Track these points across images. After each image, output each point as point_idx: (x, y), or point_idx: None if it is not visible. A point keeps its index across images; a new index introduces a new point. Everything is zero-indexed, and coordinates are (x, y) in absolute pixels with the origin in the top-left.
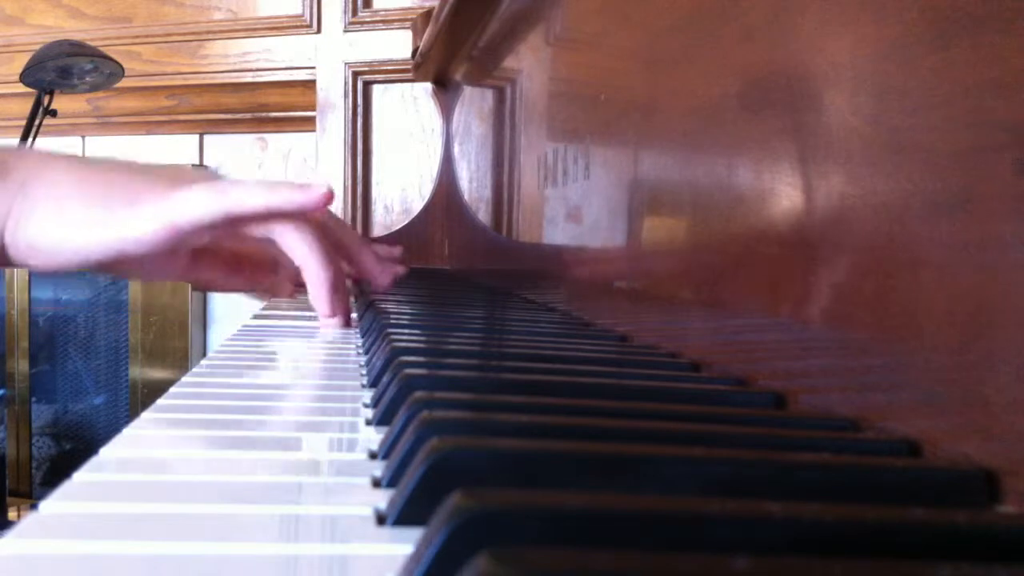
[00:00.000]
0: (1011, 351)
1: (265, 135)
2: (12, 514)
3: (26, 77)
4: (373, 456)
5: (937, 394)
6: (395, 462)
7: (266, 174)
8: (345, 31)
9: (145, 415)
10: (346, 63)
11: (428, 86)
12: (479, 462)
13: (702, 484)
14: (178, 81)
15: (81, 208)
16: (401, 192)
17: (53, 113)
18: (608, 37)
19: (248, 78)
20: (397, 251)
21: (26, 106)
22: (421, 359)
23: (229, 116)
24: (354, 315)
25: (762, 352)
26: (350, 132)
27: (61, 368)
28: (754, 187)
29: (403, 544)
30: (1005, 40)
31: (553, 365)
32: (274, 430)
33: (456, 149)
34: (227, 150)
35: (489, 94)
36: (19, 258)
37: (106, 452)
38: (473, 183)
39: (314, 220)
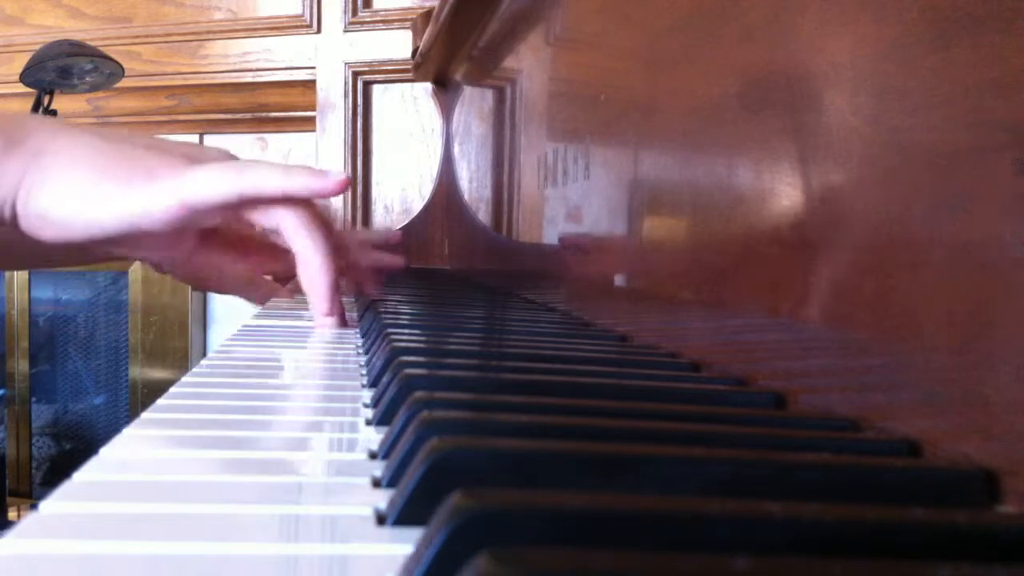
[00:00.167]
0: (1011, 351)
1: (265, 135)
2: (12, 514)
3: (26, 77)
4: (373, 456)
5: (937, 394)
6: (395, 462)
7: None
8: (345, 31)
9: (145, 415)
10: (346, 63)
11: (428, 86)
12: (479, 462)
13: (702, 484)
14: (178, 81)
15: (95, 181)
16: (401, 192)
17: (53, 113)
18: (608, 37)
19: (248, 78)
20: (396, 236)
21: (26, 106)
22: (421, 359)
23: (229, 116)
24: (353, 315)
25: (762, 352)
26: (350, 132)
27: (61, 368)
28: (754, 187)
29: (403, 544)
30: (1005, 40)
31: (553, 365)
32: (274, 430)
33: (456, 149)
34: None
35: (489, 94)
36: (30, 229)
37: (106, 452)
38: (473, 183)
39: (319, 213)
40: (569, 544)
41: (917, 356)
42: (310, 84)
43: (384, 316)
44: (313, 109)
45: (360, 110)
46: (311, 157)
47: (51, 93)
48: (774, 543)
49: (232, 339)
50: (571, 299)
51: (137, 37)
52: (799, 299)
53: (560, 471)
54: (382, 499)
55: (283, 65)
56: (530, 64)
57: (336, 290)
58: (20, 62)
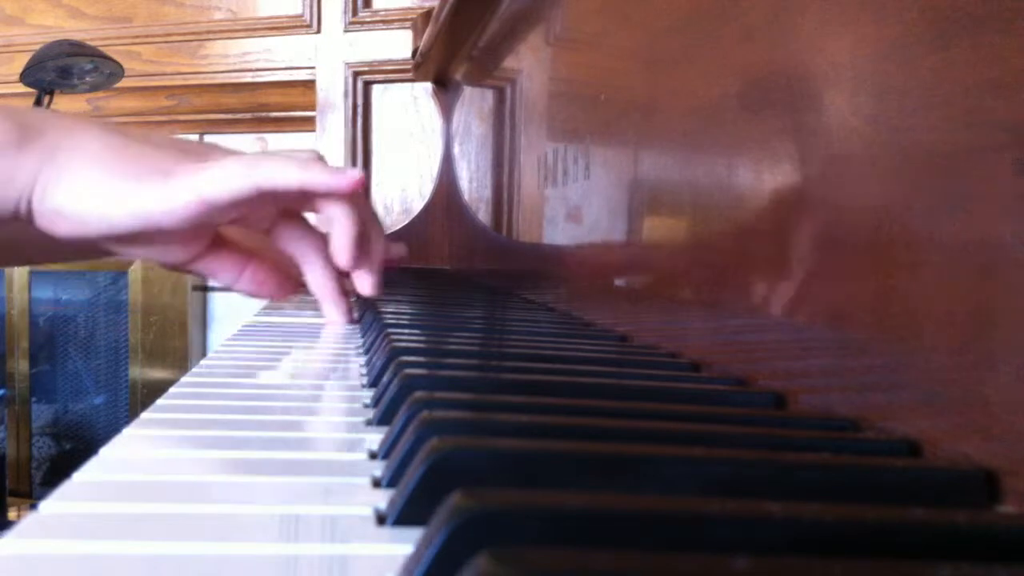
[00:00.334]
0: (1011, 351)
1: (265, 135)
2: (12, 514)
3: (26, 77)
4: (373, 456)
5: (937, 394)
6: (395, 462)
7: None
8: (345, 31)
9: (145, 415)
10: (346, 63)
11: (428, 86)
12: (479, 462)
13: (702, 484)
14: (178, 81)
15: (112, 178)
16: (401, 192)
17: None
18: (608, 37)
19: (248, 78)
20: (401, 251)
21: (26, 106)
22: (421, 359)
23: (229, 116)
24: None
25: (762, 352)
26: (350, 132)
27: (61, 368)
28: (754, 187)
29: (403, 544)
30: (1005, 40)
31: (553, 365)
32: (274, 430)
33: (456, 149)
34: None
35: (489, 94)
36: (46, 225)
37: (106, 452)
38: (473, 183)
39: (366, 216)
40: (569, 544)
41: (917, 356)
42: (310, 84)
43: (384, 316)
44: (313, 109)
45: (360, 110)
46: None
47: (51, 93)
48: (774, 543)
49: (232, 339)
50: (571, 299)
51: (137, 37)
52: (799, 299)
53: (560, 471)
54: (382, 499)
55: (283, 65)
56: (530, 64)
57: (342, 292)
58: (20, 62)
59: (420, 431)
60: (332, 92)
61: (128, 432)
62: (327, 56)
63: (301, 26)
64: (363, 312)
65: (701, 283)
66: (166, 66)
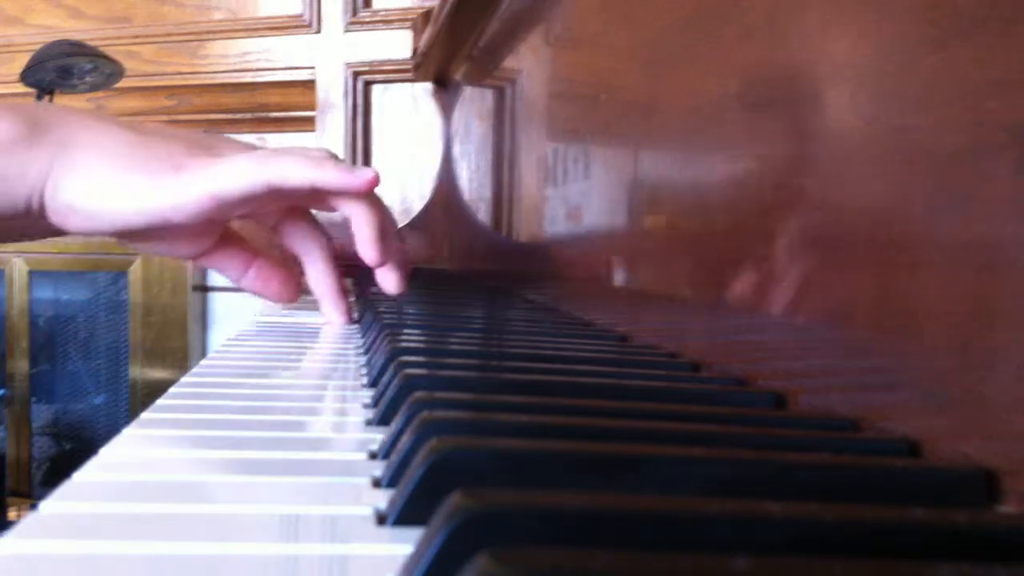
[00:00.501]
0: (1011, 351)
1: (265, 135)
2: (12, 514)
3: (26, 77)
4: (373, 456)
5: (937, 394)
6: (395, 462)
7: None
8: (345, 31)
9: (145, 415)
10: (346, 63)
11: (428, 86)
12: (479, 462)
13: (702, 484)
14: (178, 81)
15: (124, 172)
16: (401, 192)
17: None
18: (608, 37)
19: (248, 78)
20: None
21: None
22: (421, 359)
23: (229, 116)
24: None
25: (762, 352)
26: (350, 132)
27: (61, 368)
28: (754, 187)
29: (403, 544)
30: (1005, 40)
31: (553, 365)
32: (274, 430)
33: (456, 149)
34: None
35: (489, 94)
36: (57, 219)
37: (106, 452)
38: (473, 183)
39: (382, 217)
40: (569, 544)
41: (917, 356)
42: (310, 84)
43: (384, 316)
44: (313, 109)
45: (360, 110)
46: None
47: (51, 93)
48: (774, 543)
49: (232, 339)
50: (571, 299)
51: (137, 37)
52: (799, 298)
53: (560, 471)
54: (382, 499)
55: (283, 65)
56: (530, 64)
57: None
58: (20, 62)
59: (420, 431)
60: (332, 92)
61: (128, 432)
62: (327, 56)
63: (301, 26)
64: (363, 312)
65: (701, 283)
66: (166, 66)
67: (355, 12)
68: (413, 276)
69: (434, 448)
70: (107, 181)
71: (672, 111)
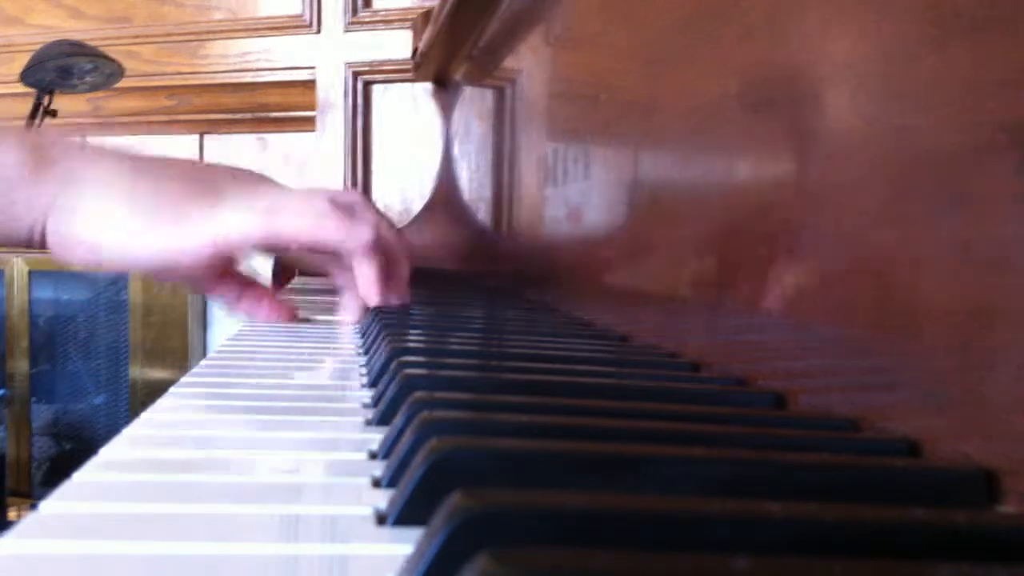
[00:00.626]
0: (1011, 351)
1: (265, 135)
2: (12, 514)
3: (26, 77)
4: (373, 456)
5: (937, 394)
6: (395, 462)
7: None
8: (345, 31)
9: (145, 415)
10: (346, 63)
11: (428, 86)
12: (479, 462)
13: (702, 484)
14: (178, 81)
15: (128, 214)
16: (401, 192)
17: (53, 113)
18: (608, 37)
19: (248, 78)
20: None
21: (26, 106)
22: (421, 359)
23: (229, 116)
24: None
25: (762, 352)
26: (350, 132)
27: (61, 368)
28: (754, 187)
29: (403, 544)
30: (1005, 40)
31: (553, 365)
32: (274, 430)
33: (456, 149)
34: (227, 150)
35: (489, 94)
36: (60, 251)
37: (106, 452)
38: (473, 183)
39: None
40: (569, 544)
41: (917, 356)
42: (310, 84)
43: (384, 316)
44: (313, 109)
45: (360, 110)
46: (311, 157)
47: (51, 93)
48: (774, 543)
49: (233, 339)
50: (571, 299)
51: (137, 37)
52: (799, 298)
53: (560, 471)
54: (382, 499)
55: (283, 65)
56: (530, 64)
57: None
58: (20, 62)
59: (420, 431)
60: (332, 92)
61: (128, 432)
62: (327, 56)
63: (301, 26)
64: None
65: (701, 283)
66: (166, 66)
67: (355, 12)
68: (413, 276)
69: (434, 448)
70: (113, 219)
71: (672, 111)
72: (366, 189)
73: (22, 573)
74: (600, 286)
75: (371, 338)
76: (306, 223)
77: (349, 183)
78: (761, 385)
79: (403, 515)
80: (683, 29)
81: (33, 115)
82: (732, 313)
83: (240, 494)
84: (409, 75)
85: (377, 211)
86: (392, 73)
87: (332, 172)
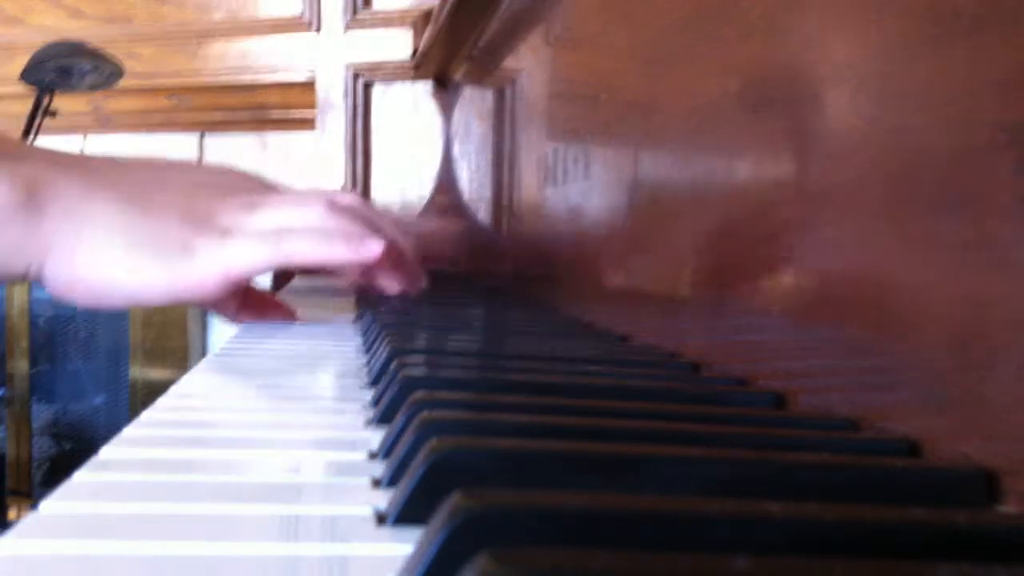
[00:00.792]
0: (1011, 351)
1: (265, 135)
2: (12, 514)
3: (26, 77)
4: (373, 456)
5: (937, 394)
6: (395, 462)
7: (266, 175)
8: (345, 31)
9: (145, 415)
10: (346, 63)
11: (428, 86)
12: (479, 462)
13: (702, 484)
14: (178, 81)
15: (133, 252)
16: (401, 192)
17: (53, 113)
18: (608, 37)
19: (248, 78)
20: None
21: (26, 106)
22: (421, 359)
23: (229, 116)
24: (352, 315)
25: (762, 352)
26: (350, 132)
27: (61, 368)
28: (754, 187)
29: (403, 544)
30: (1005, 40)
31: (553, 365)
32: (274, 430)
33: (456, 149)
34: (227, 150)
35: (489, 94)
36: (61, 292)
37: (106, 452)
38: (473, 183)
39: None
40: (569, 544)
41: (917, 356)
42: (310, 84)
43: (384, 316)
44: (313, 109)
45: (360, 110)
46: (312, 158)
47: (51, 93)
48: (774, 543)
49: (233, 338)
50: (571, 299)
51: (137, 37)
52: (799, 298)
53: (560, 471)
54: (382, 499)
55: (283, 65)
56: (530, 64)
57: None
58: (20, 62)
59: (420, 431)
60: (332, 92)
61: (128, 432)
62: (327, 56)
63: (301, 26)
64: (363, 312)
65: (701, 283)
66: (166, 66)
67: (355, 12)
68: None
69: (434, 448)
70: (116, 259)
71: (672, 111)
72: (366, 189)
73: (22, 573)
74: (600, 286)
75: (371, 338)
76: (316, 246)
77: (349, 183)
78: (761, 385)
79: (403, 515)
80: (683, 29)
81: (33, 115)
82: (732, 313)
83: (240, 494)
84: (409, 75)
85: (374, 209)
86: (392, 73)
87: (332, 172)
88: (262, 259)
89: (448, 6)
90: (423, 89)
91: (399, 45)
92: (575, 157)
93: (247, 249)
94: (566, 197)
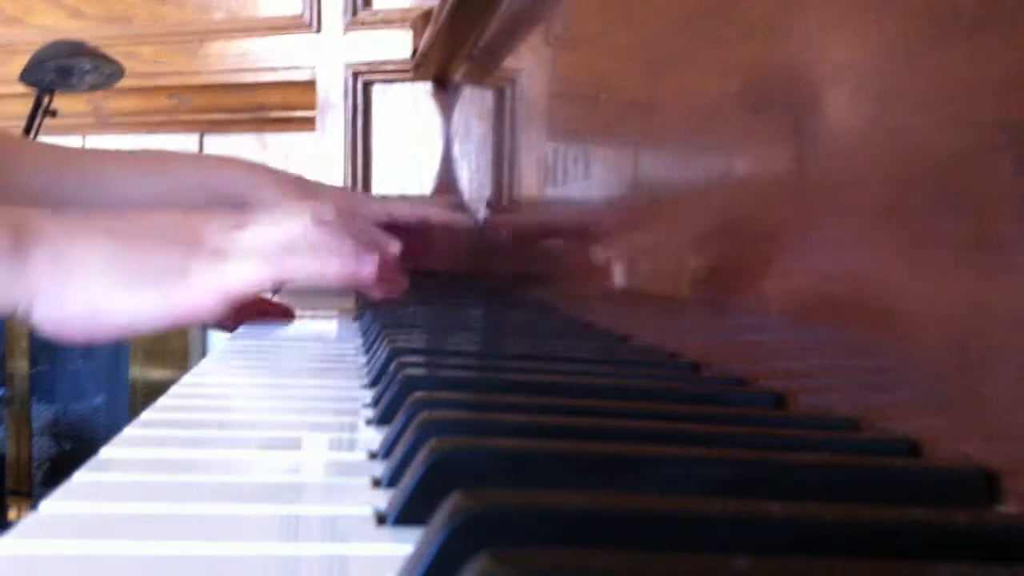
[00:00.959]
0: (1011, 351)
1: (265, 135)
2: (12, 514)
3: (26, 77)
4: (373, 456)
5: (937, 394)
6: (395, 462)
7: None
8: (345, 31)
9: (145, 415)
10: (346, 63)
11: (428, 86)
12: (479, 462)
13: (702, 484)
14: (178, 81)
15: (123, 285)
16: (401, 192)
17: (53, 113)
18: (608, 37)
19: (248, 78)
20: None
21: (26, 106)
22: (421, 359)
23: (229, 116)
24: (352, 314)
25: (762, 352)
26: (350, 132)
27: (61, 368)
28: (754, 187)
29: (403, 544)
30: (1005, 40)
31: (553, 365)
32: (274, 430)
33: (456, 149)
34: (227, 150)
35: (489, 94)
36: (53, 331)
37: (106, 452)
38: (473, 183)
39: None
40: (569, 544)
41: (917, 356)
42: (310, 84)
43: (384, 316)
44: (313, 109)
45: (360, 110)
46: (311, 157)
47: (51, 93)
48: (774, 543)
49: (234, 338)
50: (571, 299)
51: (137, 37)
52: (799, 298)
53: (560, 471)
54: (382, 499)
55: (283, 65)
56: (530, 64)
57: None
58: (20, 62)
59: (420, 431)
60: (332, 92)
61: (128, 432)
62: (327, 56)
63: (301, 26)
64: (363, 312)
65: (701, 283)
66: (166, 66)
67: (355, 12)
68: (411, 276)
69: (434, 448)
70: (109, 297)
71: (672, 111)
72: (366, 189)
73: (22, 573)
74: (600, 286)
75: (371, 338)
76: (312, 264)
77: (349, 183)
78: (761, 385)
79: (403, 515)
80: (683, 29)
81: (33, 115)
82: (732, 313)
83: (240, 494)
84: (409, 75)
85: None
86: (392, 73)
87: (332, 172)
88: (257, 278)
89: (448, 6)
90: (423, 89)
91: (399, 45)
92: (575, 157)
93: (241, 269)
94: (566, 197)
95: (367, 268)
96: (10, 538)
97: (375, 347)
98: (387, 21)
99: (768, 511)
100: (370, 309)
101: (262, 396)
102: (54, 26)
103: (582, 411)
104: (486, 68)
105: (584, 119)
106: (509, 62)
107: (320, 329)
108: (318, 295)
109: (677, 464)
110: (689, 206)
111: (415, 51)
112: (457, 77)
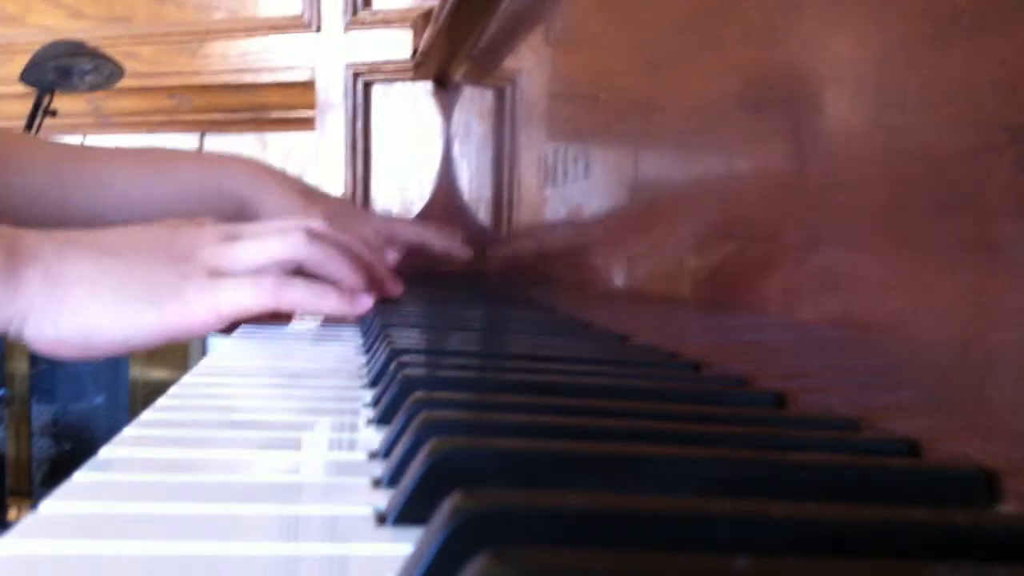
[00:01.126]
0: (1011, 351)
1: (265, 135)
2: (12, 514)
3: (26, 77)
4: (373, 456)
5: (937, 394)
6: (395, 462)
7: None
8: (345, 31)
9: (145, 415)
10: (346, 63)
11: (428, 86)
12: (479, 462)
13: (702, 484)
14: (178, 81)
15: (117, 304)
16: (401, 192)
17: (53, 113)
18: (608, 37)
19: (248, 78)
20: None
21: (26, 106)
22: (421, 359)
23: (229, 116)
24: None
25: (762, 352)
26: (350, 132)
27: (61, 368)
28: (754, 187)
29: (403, 544)
30: (1005, 40)
31: (553, 365)
32: (274, 429)
33: (456, 149)
34: (227, 150)
35: (489, 94)
36: (47, 350)
37: (106, 452)
38: (473, 183)
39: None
40: (569, 544)
41: (917, 356)
42: (310, 84)
43: (384, 316)
44: (313, 109)
45: (360, 110)
46: (311, 157)
47: (51, 93)
48: (774, 543)
49: (234, 338)
50: (571, 299)
51: (137, 37)
52: (799, 298)
53: (560, 471)
54: (382, 499)
55: (283, 65)
56: (530, 64)
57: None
58: (20, 62)
59: (420, 431)
60: (332, 92)
61: (128, 432)
62: (327, 56)
63: (301, 26)
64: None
65: (701, 283)
66: (166, 66)
67: (355, 12)
68: (411, 276)
69: (434, 448)
70: (103, 316)
71: (672, 111)
72: (366, 189)
73: (22, 573)
74: (600, 286)
75: (371, 338)
76: (311, 298)
77: (349, 183)
78: (761, 385)
79: (403, 515)
80: (683, 29)
81: (33, 115)
82: (732, 313)
83: (240, 494)
84: (409, 75)
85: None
86: (392, 73)
87: (332, 172)
88: (254, 304)
89: (448, 6)
90: (423, 89)
91: (399, 45)
92: (575, 157)
93: (239, 293)
94: (566, 197)
95: (364, 306)
96: (10, 538)
97: (375, 347)
98: (387, 21)
99: (768, 511)
100: (370, 310)
101: (262, 396)
102: (54, 26)
103: (582, 411)
104: (486, 68)
105: (584, 119)
106: (509, 62)
107: (319, 329)
108: None
109: (677, 464)
110: (689, 206)
111: (415, 51)
112: (457, 77)
